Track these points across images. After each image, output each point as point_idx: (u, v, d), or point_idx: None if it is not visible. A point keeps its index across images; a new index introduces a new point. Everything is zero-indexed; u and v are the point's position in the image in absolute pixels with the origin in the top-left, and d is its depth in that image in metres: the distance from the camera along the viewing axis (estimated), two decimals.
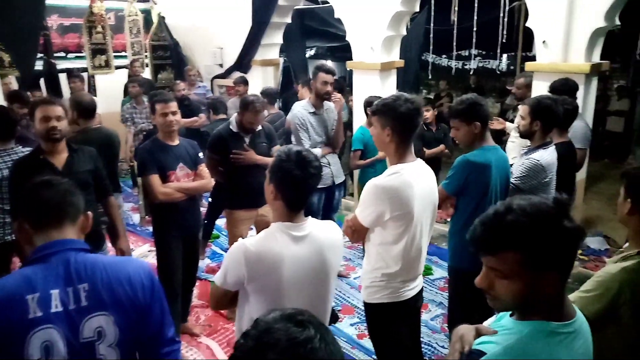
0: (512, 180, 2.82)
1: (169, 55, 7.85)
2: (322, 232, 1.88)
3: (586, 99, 4.18)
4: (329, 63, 9.75)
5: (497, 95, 10.91)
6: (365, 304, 2.42)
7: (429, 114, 5.04)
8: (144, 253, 4.98)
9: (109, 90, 7.04)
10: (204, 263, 4.65)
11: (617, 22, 4.21)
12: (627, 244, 1.91)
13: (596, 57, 4.37)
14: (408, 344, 2.49)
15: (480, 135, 2.69)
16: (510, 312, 1.28)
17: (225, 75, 7.47)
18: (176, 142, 3.18)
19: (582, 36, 4.14)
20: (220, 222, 5.13)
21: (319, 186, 3.88)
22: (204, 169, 3.26)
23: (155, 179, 3.04)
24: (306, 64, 9.22)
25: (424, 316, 3.81)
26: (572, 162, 3.48)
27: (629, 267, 1.70)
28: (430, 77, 8.18)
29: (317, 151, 3.84)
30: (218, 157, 3.56)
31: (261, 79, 6.94)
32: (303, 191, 1.82)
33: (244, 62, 7.08)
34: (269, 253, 1.75)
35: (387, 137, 2.22)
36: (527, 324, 1.16)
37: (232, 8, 6.99)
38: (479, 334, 1.24)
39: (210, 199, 4.82)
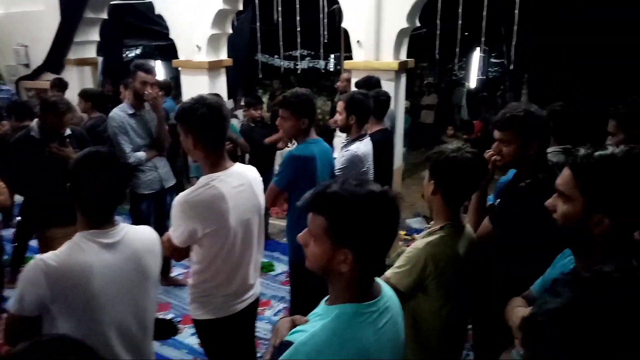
0: (335, 171, 2.96)
1: None
2: (136, 236, 1.74)
3: (397, 93, 4.61)
4: (158, 63, 9.26)
5: (327, 94, 11.53)
6: (193, 320, 2.27)
7: (261, 112, 5.11)
8: None
9: None
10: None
11: (418, 23, 4.73)
12: (432, 222, 2.11)
13: (403, 56, 4.85)
14: (243, 352, 2.44)
15: (306, 130, 2.78)
16: (325, 299, 1.32)
17: (33, 76, 6.60)
18: None
19: (390, 36, 4.56)
20: (35, 242, 4.51)
21: (146, 192, 3.64)
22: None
23: None
24: (126, 63, 8.64)
25: (267, 312, 3.82)
26: (389, 147, 3.80)
27: (432, 242, 1.85)
28: (261, 76, 8.27)
29: (141, 155, 3.58)
30: (17, 169, 3.09)
31: (77, 80, 6.27)
32: (108, 196, 1.65)
33: (54, 61, 6.33)
34: (74, 265, 1.56)
35: (192, 145, 2.02)
36: (334, 308, 1.21)
37: (35, 1, 6.20)
38: (294, 324, 1.25)
39: (19, 218, 4.20)
